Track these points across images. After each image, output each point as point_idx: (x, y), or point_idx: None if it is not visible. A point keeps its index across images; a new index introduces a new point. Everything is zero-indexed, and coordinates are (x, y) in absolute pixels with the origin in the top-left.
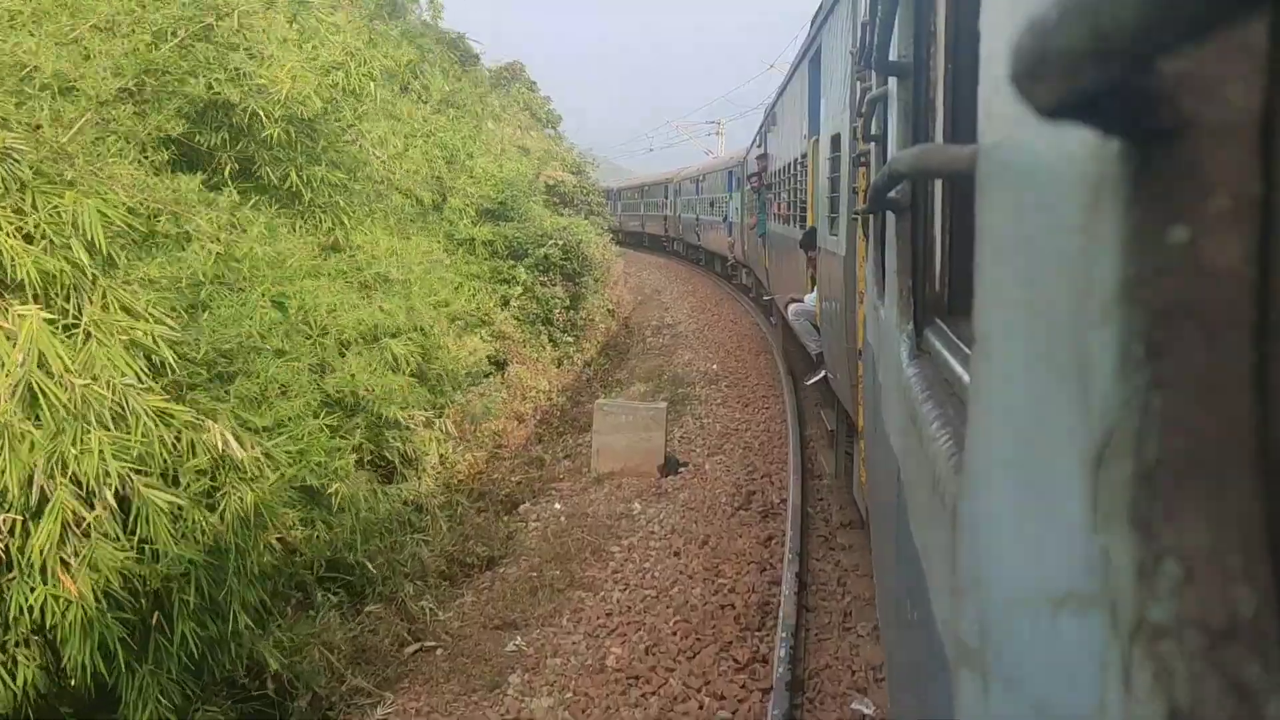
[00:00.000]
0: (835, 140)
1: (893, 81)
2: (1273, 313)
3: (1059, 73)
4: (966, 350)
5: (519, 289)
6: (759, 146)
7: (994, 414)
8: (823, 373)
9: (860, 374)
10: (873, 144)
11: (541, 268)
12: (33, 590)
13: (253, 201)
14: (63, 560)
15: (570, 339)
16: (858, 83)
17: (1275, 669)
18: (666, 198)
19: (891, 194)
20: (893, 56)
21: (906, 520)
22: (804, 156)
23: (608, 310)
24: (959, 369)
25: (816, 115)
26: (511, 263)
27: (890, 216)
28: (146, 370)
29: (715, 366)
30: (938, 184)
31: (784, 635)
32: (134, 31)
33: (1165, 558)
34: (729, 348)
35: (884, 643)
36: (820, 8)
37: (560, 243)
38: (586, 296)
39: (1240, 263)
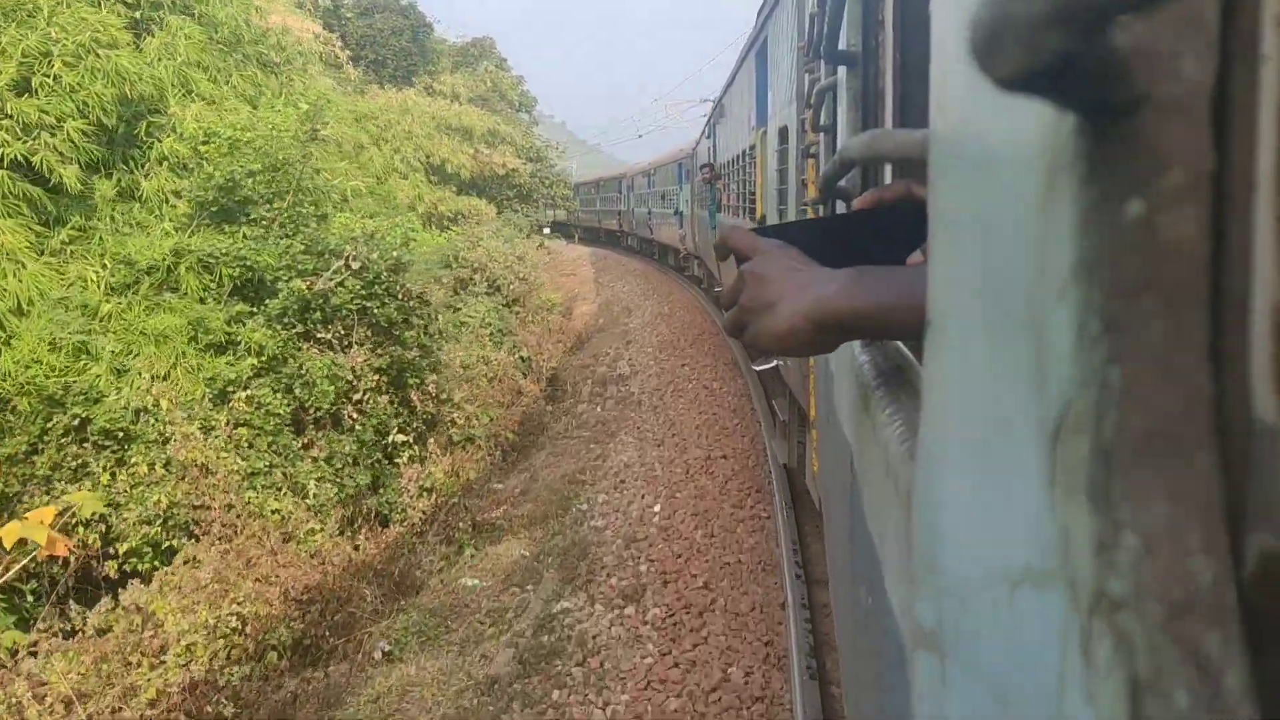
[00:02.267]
0: (783, 133)
1: (842, 71)
2: (1227, 287)
3: (1019, 41)
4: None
5: (248, 362)
6: (708, 138)
7: (949, 397)
8: (775, 361)
9: (812, 363)
10: (822, 134)
11: (321, 316)
12: None
13: None
14: None
15: (402, 439)
16: (806, 75)
17: (1233, 639)
18: (620, 192)
19: (841, 183)
20: (842, 46)
21: (861, 506)
22: (752, 148)
23: (521, 360)
24: (911, 354)
25: (764, 107)
26: (241, 306)
27: (840, 206)
28: None
29: (658, 508)
30: (887, 172)
31: None
32: None
33: (1124, 531)
34: (700, 445)
35: (837, 631)
36: (765, 1)
37: (357, 263)
38: (425, 368)
39: (1195, 237)
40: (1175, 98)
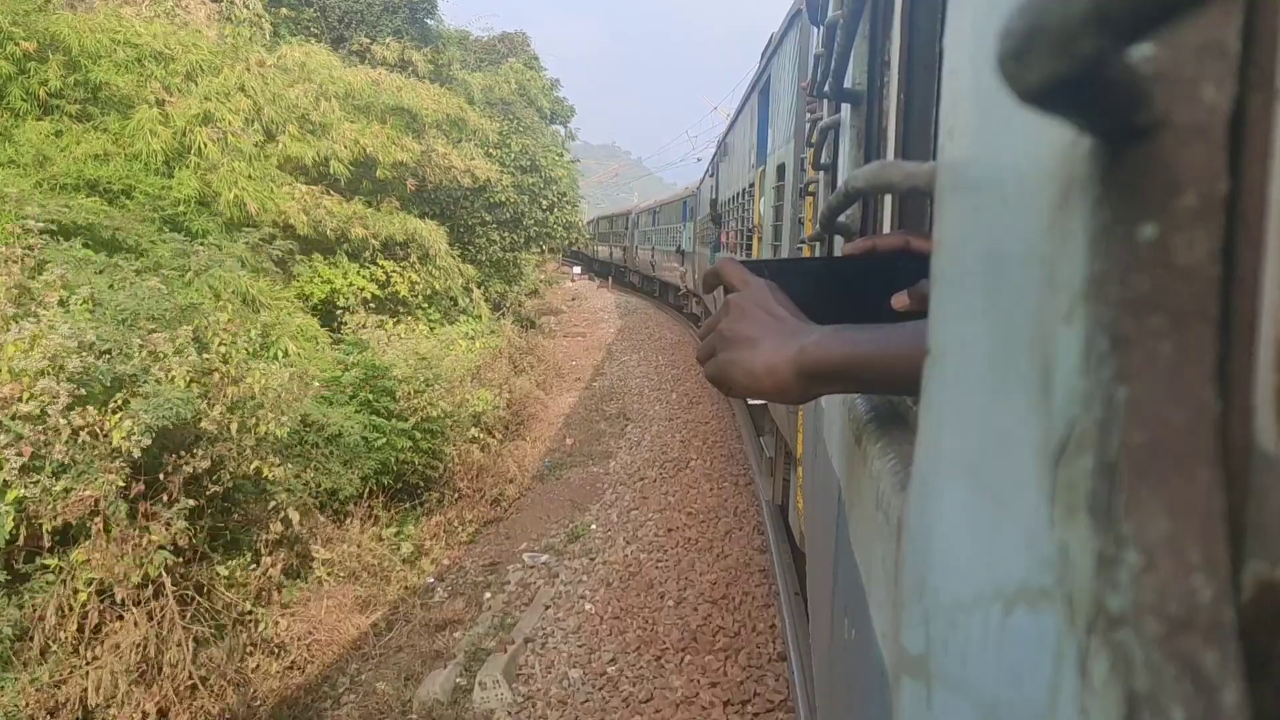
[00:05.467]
0: (780, 170)
1: (845, 109)
2: (1236, 308)
3: (1053, 45)
4: None
5: None
6: (711, 176)
7: (948, 421)
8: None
9: None
10: (821, 173)
11: None
12: None
13: None
14: None
15: None
16: (807, 114)
17: (1231, 656)
18: (626, 228)
19: (841, 218)
20: (847, 84)
21: (848, 539)
22: (751, 186)
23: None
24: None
25: (764, 145)
26: None
27: (840, 243)
28: None
29: None
30: (886, 211)
31: None
32: None
33: (1125, 547)
34: None
35: (815, 668)
36: (769, 41)
37: None
38: None
39: (1207, 259)
40: (1193, 122)
